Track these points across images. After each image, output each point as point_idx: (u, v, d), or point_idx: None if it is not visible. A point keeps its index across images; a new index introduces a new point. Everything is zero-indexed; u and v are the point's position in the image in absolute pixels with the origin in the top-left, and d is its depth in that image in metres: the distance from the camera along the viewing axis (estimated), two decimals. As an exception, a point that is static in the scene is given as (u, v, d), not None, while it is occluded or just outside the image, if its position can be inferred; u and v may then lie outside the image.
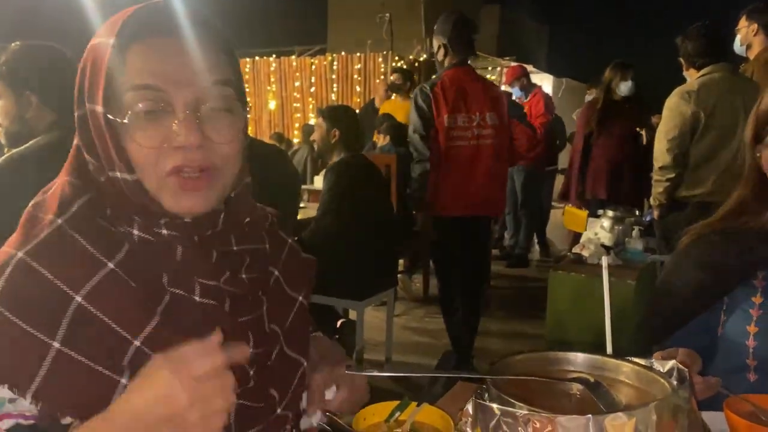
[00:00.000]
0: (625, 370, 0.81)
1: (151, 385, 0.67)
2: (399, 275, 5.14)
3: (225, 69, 0.85)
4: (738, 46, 3.61)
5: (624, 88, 4.35)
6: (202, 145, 0.80)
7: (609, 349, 1.00)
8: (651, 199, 3.44)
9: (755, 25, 3.50)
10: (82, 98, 0.82)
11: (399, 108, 5.59)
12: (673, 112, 3.19)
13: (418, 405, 0.94)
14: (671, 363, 0.78)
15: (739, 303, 1.19)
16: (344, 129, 3.36)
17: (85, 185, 0.82)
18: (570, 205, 5.03)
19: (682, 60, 3.42)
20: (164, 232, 0.82)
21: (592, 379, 0.77)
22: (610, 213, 3.49)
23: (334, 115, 3.45)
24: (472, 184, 3.36)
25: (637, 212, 3.73)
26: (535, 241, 6.76)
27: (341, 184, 3.28)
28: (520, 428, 0.69)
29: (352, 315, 3.69)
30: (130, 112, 0.78)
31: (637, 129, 4.56)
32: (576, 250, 3.32)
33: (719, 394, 1.03)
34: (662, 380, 0.75)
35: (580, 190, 4.57)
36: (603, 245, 3.31)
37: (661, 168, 3.24)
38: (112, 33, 0.79)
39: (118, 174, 0.80)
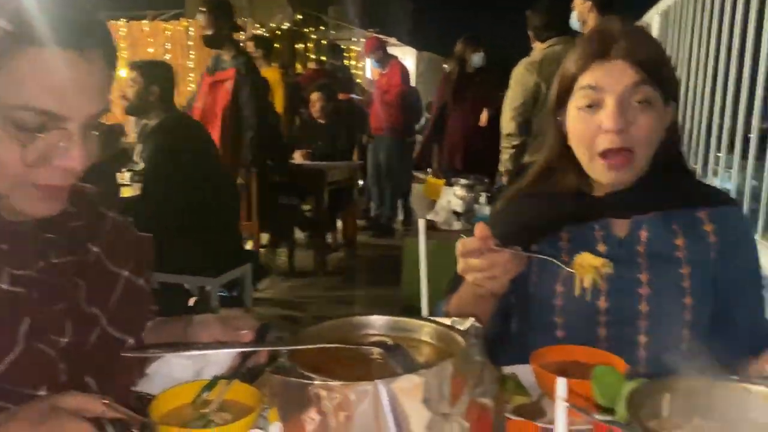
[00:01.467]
0: (427, 330, 0.80)
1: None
2: (262, 249, 5.03)
3: None
4: (575, 22, 3.83)
5: (476, 59, 4.50)
6: None
7: (425, 310, 1.00)
8: (500, 166, 3.60)
9: (590, 3, 3.73)
10: None
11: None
12: (518, 83, 3.33)
13: (228, 382, 0.88)
14: (470, 321, 0.79)
15: (546, 263, 1.23)
16: (163, 86, 3.02)
17: None
18: (430, 174, 5.17)
19: (530, 33, 3.57)
20: None
21: (390, 342, 0.76)
22: (462, 181, 3.61)
23: (152, 70, 3.08)
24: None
25: (486, 180, 3.89)
26: (400, 210, 6.90)
27: (165, 149, 2.95)
28: (311, 400, 0.66)
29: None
30: None
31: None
32: (429, 216, 3.40)
33: (530, 348, 1.07)
34: (459, 338, 0.75)
35: (438, 161, 4.70)
36: (454, 212, 3.42)
37: (507, 135, 3.39)
38: None
39: None
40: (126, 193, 3.39)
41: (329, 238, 5.71)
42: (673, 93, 1.20)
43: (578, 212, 1.24)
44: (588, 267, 1.06)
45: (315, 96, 5.33)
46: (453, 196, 3.56)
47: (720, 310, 1.20)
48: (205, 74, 4.16)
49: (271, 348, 0.72)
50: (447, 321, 0.81)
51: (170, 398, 0.85)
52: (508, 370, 1.11)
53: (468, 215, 3.43)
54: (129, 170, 3.73)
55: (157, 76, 3.03)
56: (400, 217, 6.73)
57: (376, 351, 0.75)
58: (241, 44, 4.55)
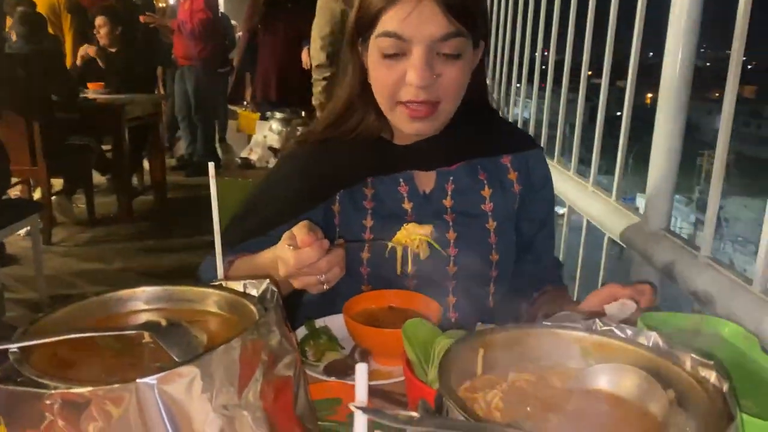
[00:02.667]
0: (215, 299, 0.67)
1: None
2: (54, 197, 4.45)
3: None
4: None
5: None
6: None
7: (219, 271, 0.86)
8: (313, 99, 3.46)
9: None
10: None
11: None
12: (324, 9, 3.17)
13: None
14: (265, 284, 0.66)
15: (352, 226, 1.13)
16: None
17: None
18: (244, 107, 4.87)
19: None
20: None
21: (164, 322, 0.61)
22: (278, 115, 3.44)
23: None
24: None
25: (303, 113, 3.74)
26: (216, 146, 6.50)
27: None
28: (48, 413, 0.50)
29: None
30: None
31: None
32: (244, 154, 3.20)
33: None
34: (252, 306, 0.63)
35: (252, 92, 4.41)
36: (271, 147, 3.25)
37: (317, 67, 3.24)
38: None
39: None
40: None
41: (135, 180, 5.21)
42: (483, 35, 1.08)
43: (380, 163, 1.13)
44: (416, 237, 0.98)
45: (100, 20, 4.71)
46: (269, 131, 3.38)
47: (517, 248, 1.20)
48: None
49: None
50: (239, 285, 0.68)
51: None
52: (319, 322, 1.02)
53: (284, 151, 3.28)
54: None
55: None
56: (220, 155, 6.33)
57: (147, 335, 0.60)
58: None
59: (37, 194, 4.31)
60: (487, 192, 1.14)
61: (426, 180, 1.14)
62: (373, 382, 0.87)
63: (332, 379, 0.86)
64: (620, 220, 1.56)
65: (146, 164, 5.23)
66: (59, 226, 4.44)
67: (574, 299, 1.24)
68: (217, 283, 0.68)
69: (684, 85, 1.38)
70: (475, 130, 1.15)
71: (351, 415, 0.76)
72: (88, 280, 3.68)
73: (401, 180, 1.13)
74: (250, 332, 0.57)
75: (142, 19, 5.60)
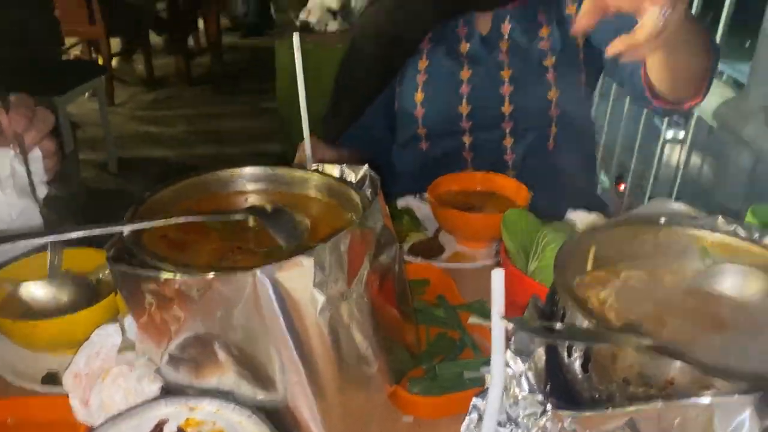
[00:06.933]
0: (315, 183, 0.65)
1: None
2: (115, 58, 4.46)
3: None
4: None
5: None
6: None
7: (308, 151, 0.84)
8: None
9: None
10: None
11: None
12: None
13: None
14: (364, 169, 0.64)
15: (408, 71, 1.12)
16: None
17: None
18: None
19: None
20: None
21: (269, 207, 0.60)
22: (336, -28, 3.23)
23: None
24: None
25: (363, -31, 3.51)
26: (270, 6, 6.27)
27: None
28: (166, 296, 0.51)
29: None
30: None
31: None
32: (302, 16, 3.06)
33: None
34: (354, 194, 0.62)
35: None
36: (329, 9, 3.10)
37: None
38: None
39: None
40: None
41: (191, 41, 5.13)
42: None
43: (448, 6, 1.11)
44: None
45: None
46: (326, -9, 3.19)
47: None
48: None
49: (107, 230, 0.54)
50: (336, 170, 0.66)
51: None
52: (401, 203, 1.01)
53: (344, 13, 3.12)
54: None
55: None
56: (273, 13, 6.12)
57: (252, 219, 0.59)
58: None
59: (98, 59, 4.32)
60: (545, 31, 1.10)
61: (484, 22, 1.13)
62: (458, 264, 0.87)
63: (419, 260, 0.86)
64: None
65: (201, 24, 5.13)
66: (120, 87, 4.48)
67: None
68: (314, 168, 0.67)
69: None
70: None
71: (440, 296, 0.77)
72: (154, 143, 3.76)
73: (461, 21, 1.12)
74: (359, 223, 0.56)
75: None
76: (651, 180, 1.72)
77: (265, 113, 3.95)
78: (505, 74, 1.09)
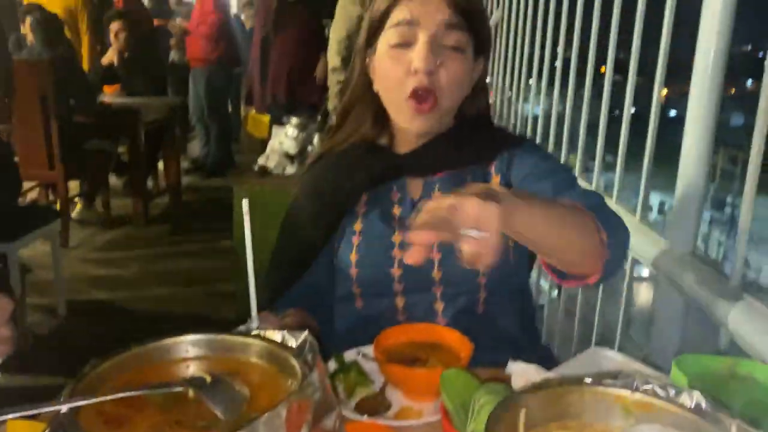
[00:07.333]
0: (256, 349, 0.67)
1: None
2: (77, 203, 4.51)
3: None
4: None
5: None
6: None
7: (254, 319, 0.87)
8: (328, 104, 3.46)
9: None
10: None
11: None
12: (341, 13, 3.16)
13: None
14: (304, 335, 0.67)
15: (345, 231, 1.18)
16: None
17: None
18: (253, 110, 4.88)
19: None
20: None
21: (208, 378, 0.62)
22: (294, 120, 3.42)
23: None
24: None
25: (319, 118, 3.73)
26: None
27: None
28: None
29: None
30: None
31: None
32: (261, 161, 3.20)
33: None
34: (293, 361, 0.64)
35: (262, 94, 4.41)
36: (287, 154, 3.25)
37: (333, 70, 3.24)
38: None
39: None
40: None
41: (150, 183, 5.24)
42: (484, 45, 1.17)
43: (380, 172, 1.19)
44: None
45: (115, 26, 4.72)
46: (285, 137, 3.36)
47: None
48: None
49: (44, 409, 0.54)
50: (278, 336, 0.68)
51: None
52: (350, 354, 1.03)
53: (302, 157, 3.27)
54: None
55: None
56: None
57: (191, 391, 0.60)
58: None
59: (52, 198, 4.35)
60: None
61: (416, 188, 1.20)
62: (404, 422, 0.88)
63: (365, 418, 0.86)
64: (643, 239, 1.51)
65: (161, 166, 5.27)
66: (77, 227, 4.48)
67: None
68: (255, 333, 0.69)
69: (717, 88, 1.28)
70: (470, 141, 1.20)
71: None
72: (106, 286, 3.71)
73: (394, 186, 1.20)
74: (296, 393, 0.57)
75: (156, 23, 5.63)
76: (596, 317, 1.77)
77: (221, 252, 3.97)
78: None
